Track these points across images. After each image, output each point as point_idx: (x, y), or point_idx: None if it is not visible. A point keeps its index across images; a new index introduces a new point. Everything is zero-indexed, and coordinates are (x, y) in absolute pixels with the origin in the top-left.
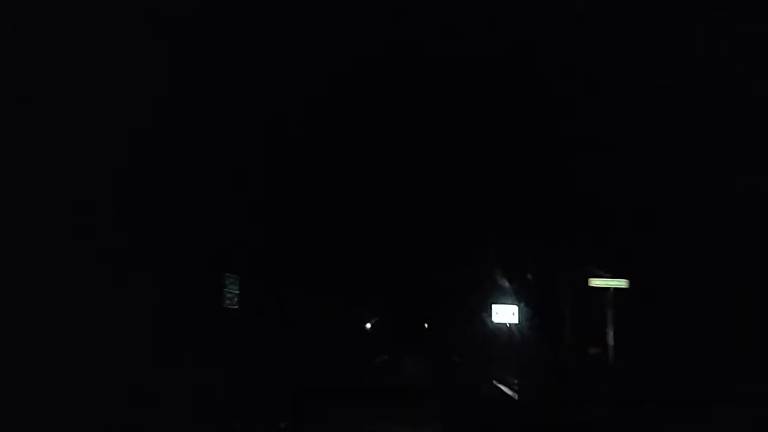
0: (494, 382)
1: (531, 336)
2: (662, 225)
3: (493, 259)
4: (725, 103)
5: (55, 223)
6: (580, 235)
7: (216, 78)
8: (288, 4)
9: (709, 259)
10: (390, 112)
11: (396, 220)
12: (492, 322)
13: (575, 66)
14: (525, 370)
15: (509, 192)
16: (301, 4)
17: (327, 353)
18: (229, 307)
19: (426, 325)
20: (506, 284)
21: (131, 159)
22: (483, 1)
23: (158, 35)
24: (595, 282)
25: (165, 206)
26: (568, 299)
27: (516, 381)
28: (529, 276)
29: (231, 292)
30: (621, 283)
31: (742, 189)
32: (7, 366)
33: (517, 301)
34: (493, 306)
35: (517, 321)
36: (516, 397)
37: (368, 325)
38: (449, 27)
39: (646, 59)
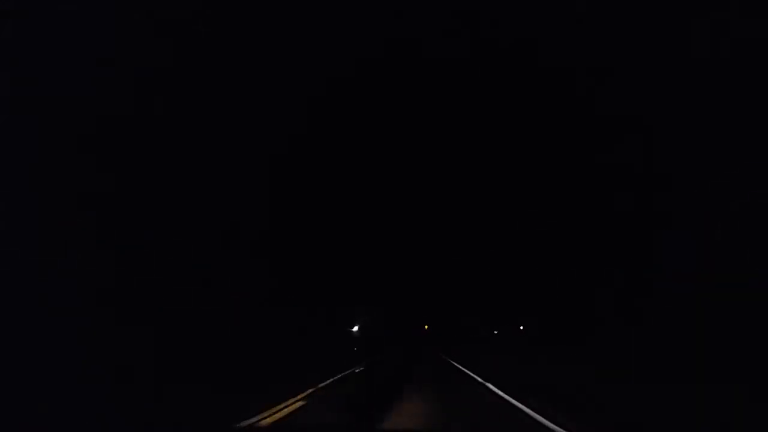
0: None
1: None
2: None
3: None
4: (725, 102)
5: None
6: None
7: (216, 78)
8: (288, 4)
9: None
10: (390, 112)
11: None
12: None
13: (575, 66)
14: None
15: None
16: (302, 5)
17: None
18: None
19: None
20: None
21: (131, 160)
22: (483, 1)
23: (158, 35)
24: None
25: (163, 205)
26: None
27: None
28: None
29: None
30: None
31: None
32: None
33: None
34: None
35: None
36: None
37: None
38: (449, 27)
39: (646, 59)
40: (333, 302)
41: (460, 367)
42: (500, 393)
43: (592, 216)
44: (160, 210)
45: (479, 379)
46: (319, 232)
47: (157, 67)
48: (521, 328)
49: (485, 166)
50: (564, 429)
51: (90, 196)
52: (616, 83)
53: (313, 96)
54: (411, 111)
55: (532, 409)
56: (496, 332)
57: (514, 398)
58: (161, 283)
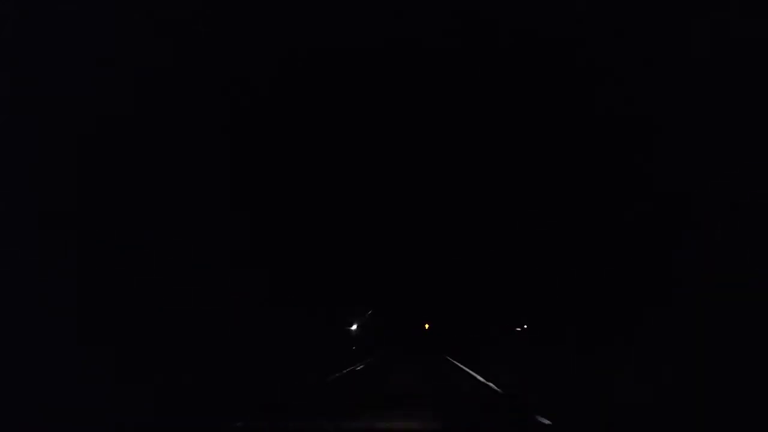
0: None
1: None
2: None
3: None
4: (725, 102)
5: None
6: None
7: (216, 78)
8: (288, 4)
9: None
10: (390, 111)
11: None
12: None
13: (575, 66)
14: None
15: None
16: (302, 5)
17: None
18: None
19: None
20: None
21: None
22: (483, 1)
23: (158, 35)
24: None
25: (163, 205)
26: None
27: None
28: None
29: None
30: None
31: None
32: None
33: None
34: None
35: None
36: None
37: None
38: (449, 27)
39: (646, 59)
40: (333, 302)
41: None
42: None
43: (592, 216)
44: (160, 210)
45: None
46: (319, 231)
47: (157, 67)
48: (525, 327)
49: (485, 165)
50: None
51: (90, 196)
52: (616, 83)
53: (313, 96)
54: (411, 111)
55: None
56: (519, 330)
57: None
58: (161, 283)
